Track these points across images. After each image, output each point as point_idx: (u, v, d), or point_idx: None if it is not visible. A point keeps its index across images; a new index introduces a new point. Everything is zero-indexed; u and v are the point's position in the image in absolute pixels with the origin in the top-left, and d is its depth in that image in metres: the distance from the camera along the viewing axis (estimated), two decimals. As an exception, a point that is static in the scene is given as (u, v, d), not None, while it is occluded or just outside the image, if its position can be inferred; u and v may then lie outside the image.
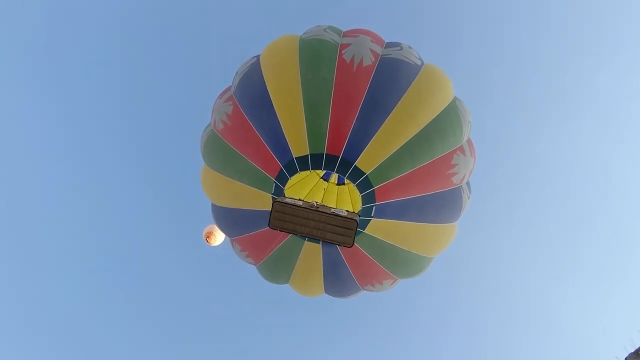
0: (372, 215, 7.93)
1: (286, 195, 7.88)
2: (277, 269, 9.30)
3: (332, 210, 7.15)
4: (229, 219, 9.20)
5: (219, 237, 13.27)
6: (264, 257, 9.16)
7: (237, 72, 9.19)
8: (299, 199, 7.36)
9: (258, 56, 9.08)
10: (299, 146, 7.77)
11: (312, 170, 7.82)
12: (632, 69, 21.68)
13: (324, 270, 8.93)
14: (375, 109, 7.87)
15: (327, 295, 9.65)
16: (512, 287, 23.87)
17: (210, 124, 9.36)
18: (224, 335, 26.80)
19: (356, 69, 8.08)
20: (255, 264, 9.59)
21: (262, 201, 8.24)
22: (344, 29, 9.28)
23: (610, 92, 22.55)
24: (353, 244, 7.34)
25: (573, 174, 24.13)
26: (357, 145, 7.67)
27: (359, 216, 7.72)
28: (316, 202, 7.31)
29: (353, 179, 7.64)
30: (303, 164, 7.71)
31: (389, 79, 8.11)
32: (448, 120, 8.34)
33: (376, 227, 8.11)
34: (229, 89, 9.33)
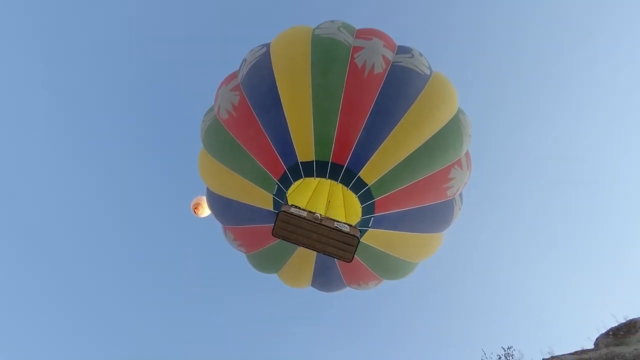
0: (369, 225, 8.16)
1: (288, 200, 8.00)
2: (269, 263, 9.51)
3: (335, 224, 7.30)
4: (225, 208, 9.23)
5: (206, 208, 13.37)
6: (257, 249, 9.34)
7: (244, 60, 9.01)
8: (304, 210, 7.45)
9: (267, 46, 8.90)
10: (305, 151, 7.83)
11: (316, 178, 7.91)
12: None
13: (314, 270, 9.21)
14: (382, 120, 7.94)
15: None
16: (491, 270, 25.24)
17: (213, 109, 9.22)
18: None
19: (367, 76, 8.06)
20: (246, 253, 9.77)
21: (263, 199, 8.34)
22: (356, 23, 9.24)
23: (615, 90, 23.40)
24: (352, 259, 7.58)
25: (551, 168, 25.27)
26: (361, 156, 7.78)
27: (358, 226, 7.94)
28: (320, 215, 7.45)
29: (355, 190, 7.78)
30: (308, 170, 7.79)
31: (397, 89, 8.14)
32: (450, 134, 8.48)
33: (372, 237, 8.37)
34: (234, 75, 9.14)
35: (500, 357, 9.63)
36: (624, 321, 9.42)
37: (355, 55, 8.21)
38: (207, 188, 9.70)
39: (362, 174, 7.73)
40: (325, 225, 7.22)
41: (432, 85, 8.52)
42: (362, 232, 8.09)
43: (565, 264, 24.33)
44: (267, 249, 9.07)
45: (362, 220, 8.02)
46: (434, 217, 8.77)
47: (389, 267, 9.08)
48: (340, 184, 7.85)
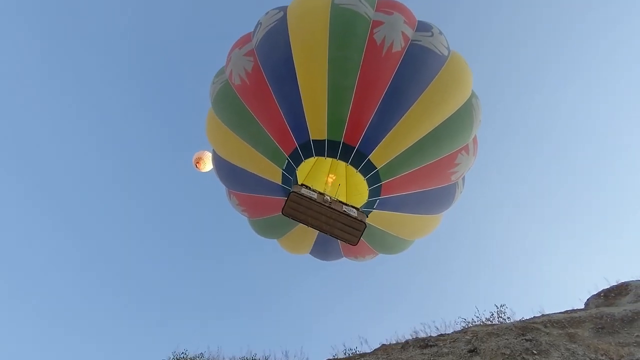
0: (374, 207, 8.30)
1: (297, 176, 8.06)
2: (272, 230, 9.71)
3: (344, 208, 7.40)
4: (232, 174, 9.24)
5: (208, 163, 13.32)
6: (261, 217, 9.51)
7: (259, 24, 8.71)
8: (314, 191, 7.51)
9: (284, 10, 8.56)
10: (317, 129, 7.78)
11: (327, 158, 7.91)
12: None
13: (315, 241, 9.46)
14: (396, 102, 7.84)
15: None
16: (487, 231, 26.78)
17: (225, 72, 8.97)
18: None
19: (385, 54, 7.85)
20: (249, 218, 9.95)
21: (272, 172, 8.36)
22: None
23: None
24: (357, 243, 7.76)
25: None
26: (373, 139, 7.76)
27: (363, 208, 8.10)
28: (330, 197, 7.52)
29: (364, 172, 7.83)
30: (319, 148, 7.78)
31: (414, 70, 7.97)
32: (461, 120, 8.43)
33: (374, 217, 8.53)
34: (248, 38, 8.87)
35: (492, 314, 10.04)
36: (615, 284, 10.01)
37: (374, 31, 7.96)
38: (214, 151, 9.67)
39: (372, 157, 7.76)
40: (334, 209, 7.32)
41: (449, 68, 8.35)
42: (367, 213, 8.25)
43: (562, 228, 25.64)
44: (271, 218, 9.22)
45: (368, 202, 8.15)
46: (435, 200, 8.92)
47: (387, 244, 9.35)
48: (348, 165, 7.89)
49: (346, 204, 7.62)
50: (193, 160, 13.51)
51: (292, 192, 7.36)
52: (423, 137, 8.02)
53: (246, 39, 8.92)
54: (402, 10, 8.49)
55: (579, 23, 24.58)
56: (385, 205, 8.36)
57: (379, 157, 7.81)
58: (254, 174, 8.71)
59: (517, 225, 25.78)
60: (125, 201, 28.09)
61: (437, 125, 8.11)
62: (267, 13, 8.82)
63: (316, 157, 7.92)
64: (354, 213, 7.42)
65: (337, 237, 7.81)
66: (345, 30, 7.93)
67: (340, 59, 7.80)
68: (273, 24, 8.40)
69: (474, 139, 9.15)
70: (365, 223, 7.48)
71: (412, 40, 8.18)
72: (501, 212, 26.32)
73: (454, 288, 24.94)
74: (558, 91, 25.57)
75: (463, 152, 8.72)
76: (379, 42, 7.93)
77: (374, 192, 8.05)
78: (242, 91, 8.45)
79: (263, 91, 8.14)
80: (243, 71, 8.39)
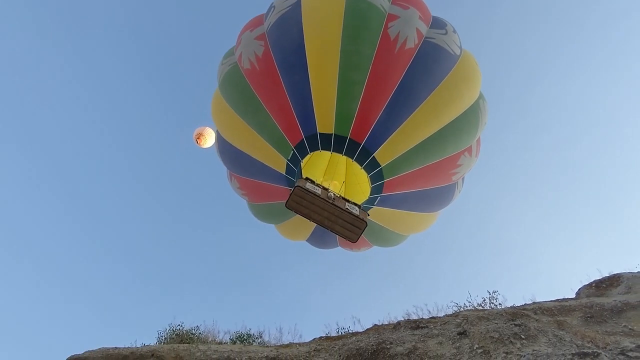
0: (375, 204, 8.36)
1: (302, 169, 8.08)
2: (271, 216, 9.78)
3: (346, 206, 7.44)
4: (235, 157, 9.21)
5: (209, 139, 13.32)
6: (262, 202, 9.56)
7: (273, 7, 8.55)
8: (318, 186, 7.53)
9: None
10: (325, 123, 7.75)
11: (333, 153, 7.92)
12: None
13: (314, 231, 9.52)
14: (404, 101, 7.81)
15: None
16: (483, 220, 27.34)
17: (234, 53, 8.82)
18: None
19: (398, 50, 7.79)
20: (248, 202, 10.01)
21: (276, 161, 8.35)
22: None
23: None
24: (357, 241, 7.87)
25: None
26: (379, 136, 7.75)
27: (365, 204, 8.18)
28: (333, 194, 7.55)
29: (368, 169, 7.86)
30: (325, 142, 7.77)
31: (425, 69, 7.93)
32: (467, 122, 8.46)
33: (374, 213, 8.55)
34: (260, 20, 8.73)
35: (484, 300, 10.20)
36: (607, 275, 10.20)
37: (389, 25, 7.88)
38: (218, 132, 9.64)
39: (377, 154, 7.77)
40: (337, 206, 7.36)
41: (460, 68, 8.33)
42: (367, 209, 8.29)
43: (557, 219, 26.33)
44: (271, 204, 9.27)
45: (369, 198, 8.20)
46: (435, 199, 9.02)
47: (383, 238, 9.48)
48: (353, 161, 7.92)
49: (349, 201, 7.64)
50: (194, 136, 13.29)
51: (297, 186, 7.35)
52: (428, 137, 8.02)
53: (258, 21, 8.76)
54: (418, 4, 8.41)
55: (581, 18, 25.17)
56: (385, 202, 8.42)
57: (384, 155, 7.82)
58: (257, 160, 8.68)
59: (513, 215, 26.34)
60: (128, 177, 28.57)
61: (444, 125, 8.11)
62: None
63: (321, 151, 7.91)
64: (356, 211, 7.45)
65: (337, 233, 7.83)
66: (359, 23, 7.83)
67: (352, 53, 7.72)
68: (286, 9, 8.24)
69: (478, 141, 9.18)
70: (366, 222, 7.51)
71: (425, 38, 8.10)
72: (498, 202, 26.72)
73: (448, 274, 25.39)
74: (559, 85, 26.31)
75: (466, 153, 8.77)
76: (392, 38, 7.84)
77: (376, 189, 8.08)
78: (251, 76, 8.35)
79: (272, 78, 8.04)
80: (253, 55, 8.26)
